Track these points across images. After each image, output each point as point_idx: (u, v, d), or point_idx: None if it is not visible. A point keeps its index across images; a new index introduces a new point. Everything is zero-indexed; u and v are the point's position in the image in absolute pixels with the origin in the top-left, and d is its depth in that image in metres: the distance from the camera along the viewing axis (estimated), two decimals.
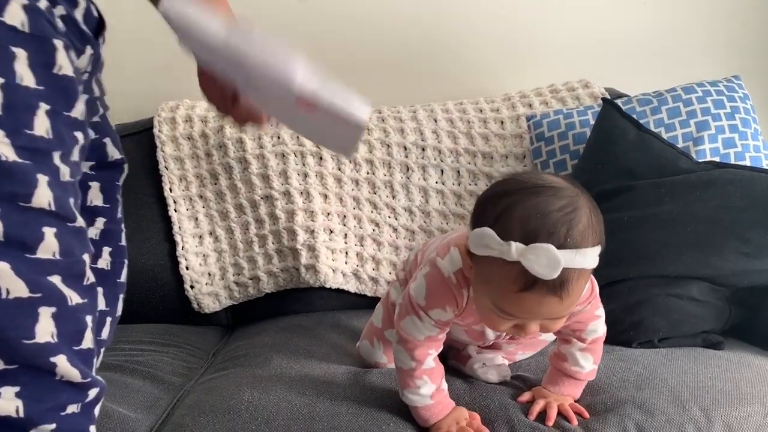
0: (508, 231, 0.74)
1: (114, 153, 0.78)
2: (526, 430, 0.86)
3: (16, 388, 0.55)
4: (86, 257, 0.63)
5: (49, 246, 0.58)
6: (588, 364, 0.92)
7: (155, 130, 1.55)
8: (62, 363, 0.58)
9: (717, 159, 1.35)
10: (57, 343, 0.57)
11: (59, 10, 0.62)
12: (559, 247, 0.72)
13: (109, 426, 0.92)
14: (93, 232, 0.77)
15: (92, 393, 0.62)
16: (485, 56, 1.80)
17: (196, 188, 1.52)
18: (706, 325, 1.10)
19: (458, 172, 1.54)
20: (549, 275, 0.72)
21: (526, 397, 0.93)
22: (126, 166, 0.81)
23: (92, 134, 0.69)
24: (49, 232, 0.58)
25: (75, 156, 0.64)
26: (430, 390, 0.88)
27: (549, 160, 1.48)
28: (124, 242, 0.82)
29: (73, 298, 0.60)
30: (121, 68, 1.72)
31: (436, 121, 1.57)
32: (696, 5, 1.82)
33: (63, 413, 0.59)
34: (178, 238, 1.48)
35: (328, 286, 1.46)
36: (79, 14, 0.66)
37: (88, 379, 0.61)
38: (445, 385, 0.91)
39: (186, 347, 1.30)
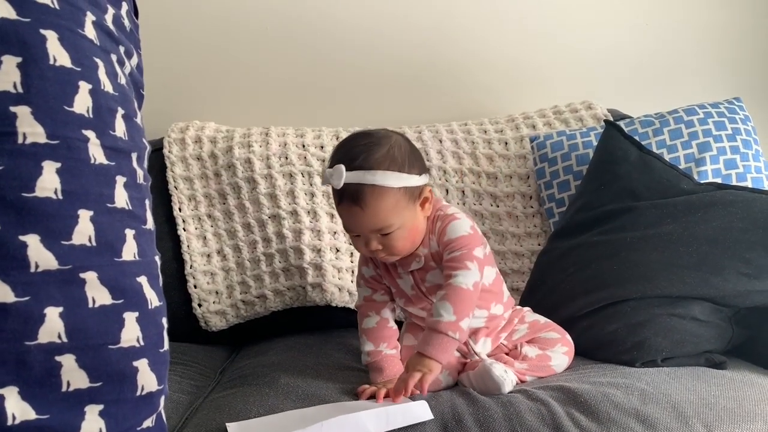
0: (329, 162, 1.03)
1: None
2: None
3: (100, 406, 0.56)
4: (157, 259, 0.65)
5: (130, 247, 0.60)
6: (447, 314, 0.98)
7: (165, 151, 1.57)
8: (143, 367, 0.59)
9: (719, 180, 1.37)
10: (142, 346, 0.59)
11: (110, 15, 0.66)
12: (351, 168, 0.98)
13: None
14: None
15: (162, 401, 0.64)
16: (489, 78, 1.83)
17: (205, 208, 1.54)
18: (708, 345, 1.11)
19: (463, 192, 1.55)
20: (337, 185, 0.99)
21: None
22: None
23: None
24: (129, 234, 0.60)
25: (145, 161, 0.66)
26: (369, 348, 1.10)
27: (552, 181, 1.50)
28: None
29: (153, 300, 0.62)
30: None
31: (440, 142, 1.59)
32: (697, 28, 1.84)
33: (139, 428, 0.60)
34: (186, 257, 1.50)
35: (334, 304, 1.47)
36: (124, 12, 0.70)
37: (162, 386, 0.62)
38: (390, 351, 1.09)
39: (194, 365, 1.31)
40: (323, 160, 1.55)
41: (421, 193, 1.06)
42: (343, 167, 0.98)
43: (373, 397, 1.00)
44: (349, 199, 1.00)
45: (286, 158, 1.54)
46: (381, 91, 1.81)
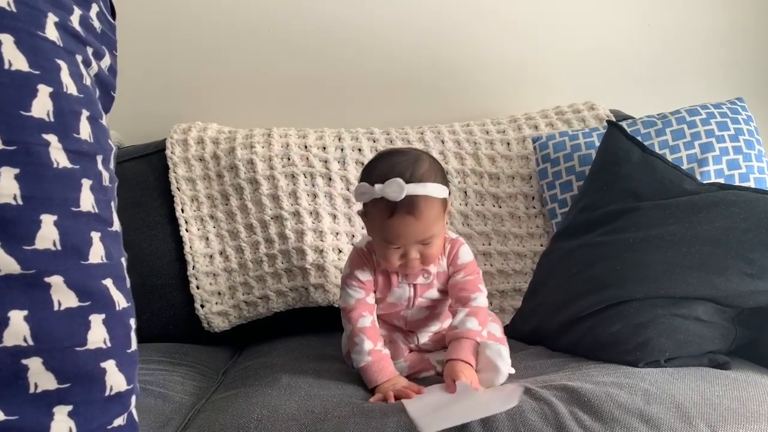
0: (372, 179, 1.06)
1: None
2: None
3: (69, 407, 0.57)
4: (123, 261, 0.65)
5: (96, 250, 0.60)
6: (474, 325, 1.10)
7: (168, 152, 1.57)
8: (111, 368, 0.60)
9: (721, 180, 1.37)
10: (109, 348, 0.59)
11: (76, 15, 0.65)
12: (405, 181, 1.03)
13: None
14: None
15: (133, 400, 0.64)
16: (492, 78, 1.83)
17: (208, 209, 1.54)
18: (711, 345, 1.10)
19: (465, 192, 1.55)
20: (397, 197, 1.02)
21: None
22: None
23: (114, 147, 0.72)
24: (96, 237, 0.60)
25: (111, 163, 0.66)
26: (369, 347, 1.10)
27: (555, 181, 1.50)
28: None
29: (120, 302, 0.62)
30: (134, 90, 1.76)
31: (443, 142, 1.59)
32: (700, 28, 1.84)
33: (110, 427, 0.61)
34: (189, 258, 1.50)
35: (336, 305, 1.47)
36: (94, 14, 0.69)
37: (131, 385, 0.62)
38: (386, 351, 1.12)
39: (196, 366, 1.31)
40: (325, 161, 1.55)
41: (446, 204, 1.13)
42: (401, 180, 1.03)
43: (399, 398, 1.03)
44: (404, 210, 1.05)
45: (289, 159, 1.54)
46: (383, 92, 1.82)
